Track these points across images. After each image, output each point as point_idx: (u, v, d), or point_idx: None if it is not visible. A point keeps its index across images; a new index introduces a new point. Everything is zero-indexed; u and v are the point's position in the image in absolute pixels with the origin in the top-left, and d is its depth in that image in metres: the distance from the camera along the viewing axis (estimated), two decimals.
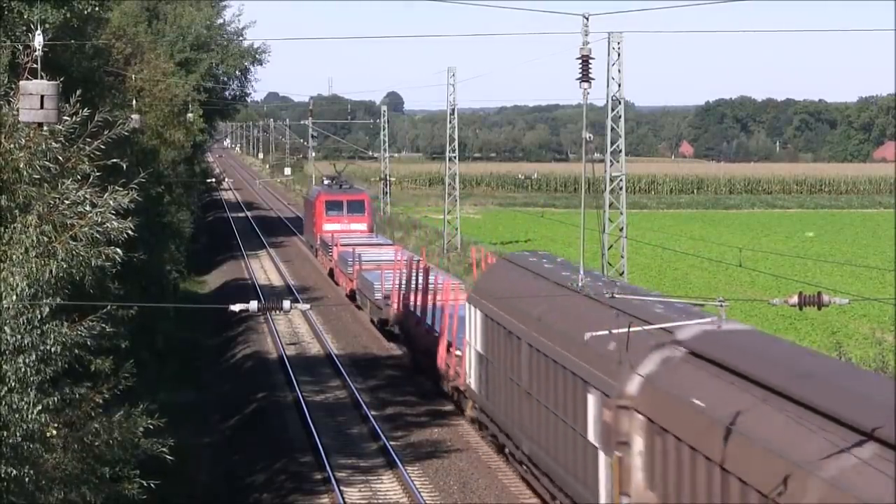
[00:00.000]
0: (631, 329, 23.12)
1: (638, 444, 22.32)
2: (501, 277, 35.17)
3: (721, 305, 18.74)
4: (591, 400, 24.77)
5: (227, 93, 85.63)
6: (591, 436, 24.88)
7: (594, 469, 24.59)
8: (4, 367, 17.64)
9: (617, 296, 25.38)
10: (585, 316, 26.60)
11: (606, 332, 23.63)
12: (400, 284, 50.21)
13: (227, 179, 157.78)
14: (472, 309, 35.70)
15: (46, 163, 18.52)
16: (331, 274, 71.94)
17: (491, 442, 35.56)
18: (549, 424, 28.16)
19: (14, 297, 17.76)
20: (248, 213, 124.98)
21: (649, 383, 22.18)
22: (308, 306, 20.83)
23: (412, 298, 47.24)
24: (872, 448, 15.54)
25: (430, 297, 44.91)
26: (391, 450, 35.41)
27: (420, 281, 46.45)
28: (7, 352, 17.70)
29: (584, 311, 27.11)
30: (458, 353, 38.79)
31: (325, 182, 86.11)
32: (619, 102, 50.64)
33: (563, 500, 27.54)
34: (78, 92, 19.31)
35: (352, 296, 62.17)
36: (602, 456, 24.08)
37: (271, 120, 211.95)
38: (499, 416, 33.22)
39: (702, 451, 19.38)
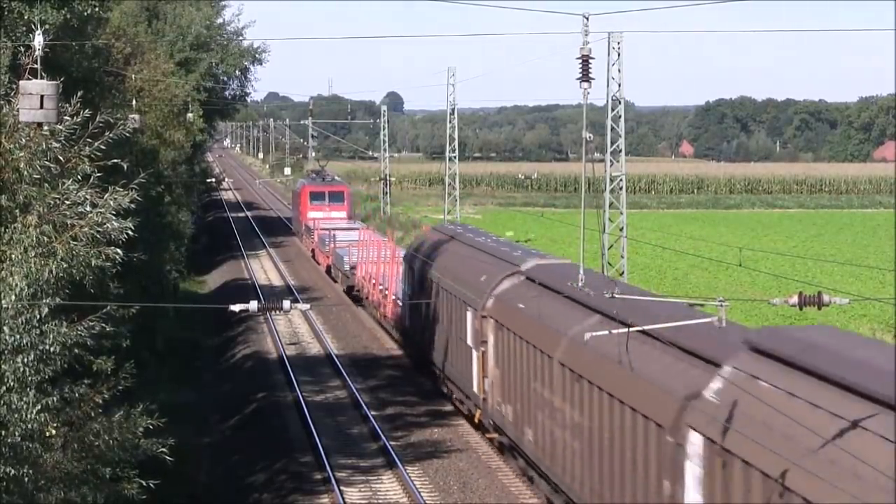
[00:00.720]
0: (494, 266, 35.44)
1: (491, 339, 33.67)
2: (427, 240, 46.27)
3: (721, 305, 18.73)
4: (469, 315, 35.70)
5: (227, 93, 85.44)
6: (469, 340, 35.73)
7: (469, 363, 35.66)
8: (3, 366, 17.62)
9: (618, 296, 26.05)
10: (472, 261, 38.01)
11: (481, 270, 35.81)
12: (365, 257, 61.30)
13: (227, 179, 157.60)
14: (406, 265, 46.85)
15: (47, 163, 18.51)
16: (313, 254, 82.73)
17: (413, 360, 46.33)
18: (449, 340, 38.65)
19: (13, 297, 17.75)
20: (248, 213, 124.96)
21: (498, 299, 33.61)
22: (308, 306, 20.85)
23: (372, 267, 58.76)
24: (597, 318, 26.24)
25: (384, 264, 56.57)
26: (391, 450, 35.41)
27: (377, 253, 58.95)
28: (6, 352, 17.68)
29: (471, 259, 38.47)
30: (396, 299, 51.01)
31: (311, 176, 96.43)
32: (619, 102, 50.59)
33: (457, 393, 38.42)
34: (80, 93, 19.29)
35: (328, 270, 74.19)
36: (474, 353, 35.15)
37: (271, 120, 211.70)
38: (420, 341, 43.60)
39: (520, 334, 30.61)
